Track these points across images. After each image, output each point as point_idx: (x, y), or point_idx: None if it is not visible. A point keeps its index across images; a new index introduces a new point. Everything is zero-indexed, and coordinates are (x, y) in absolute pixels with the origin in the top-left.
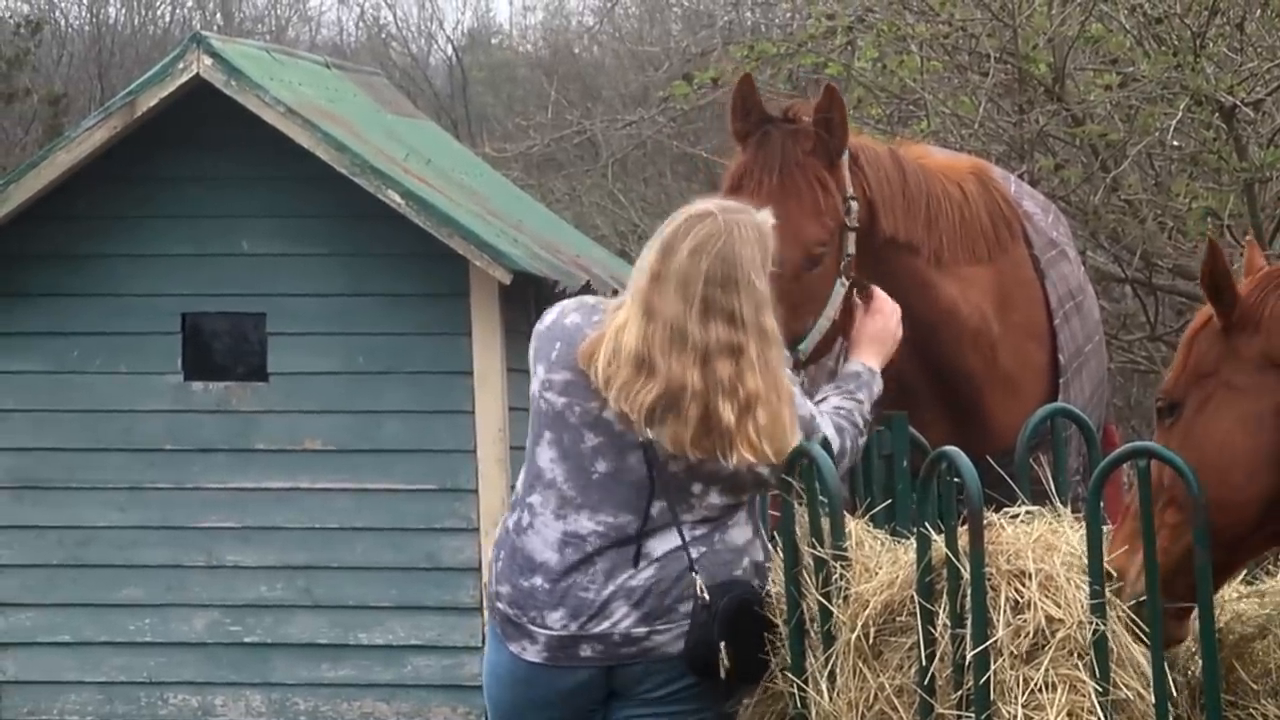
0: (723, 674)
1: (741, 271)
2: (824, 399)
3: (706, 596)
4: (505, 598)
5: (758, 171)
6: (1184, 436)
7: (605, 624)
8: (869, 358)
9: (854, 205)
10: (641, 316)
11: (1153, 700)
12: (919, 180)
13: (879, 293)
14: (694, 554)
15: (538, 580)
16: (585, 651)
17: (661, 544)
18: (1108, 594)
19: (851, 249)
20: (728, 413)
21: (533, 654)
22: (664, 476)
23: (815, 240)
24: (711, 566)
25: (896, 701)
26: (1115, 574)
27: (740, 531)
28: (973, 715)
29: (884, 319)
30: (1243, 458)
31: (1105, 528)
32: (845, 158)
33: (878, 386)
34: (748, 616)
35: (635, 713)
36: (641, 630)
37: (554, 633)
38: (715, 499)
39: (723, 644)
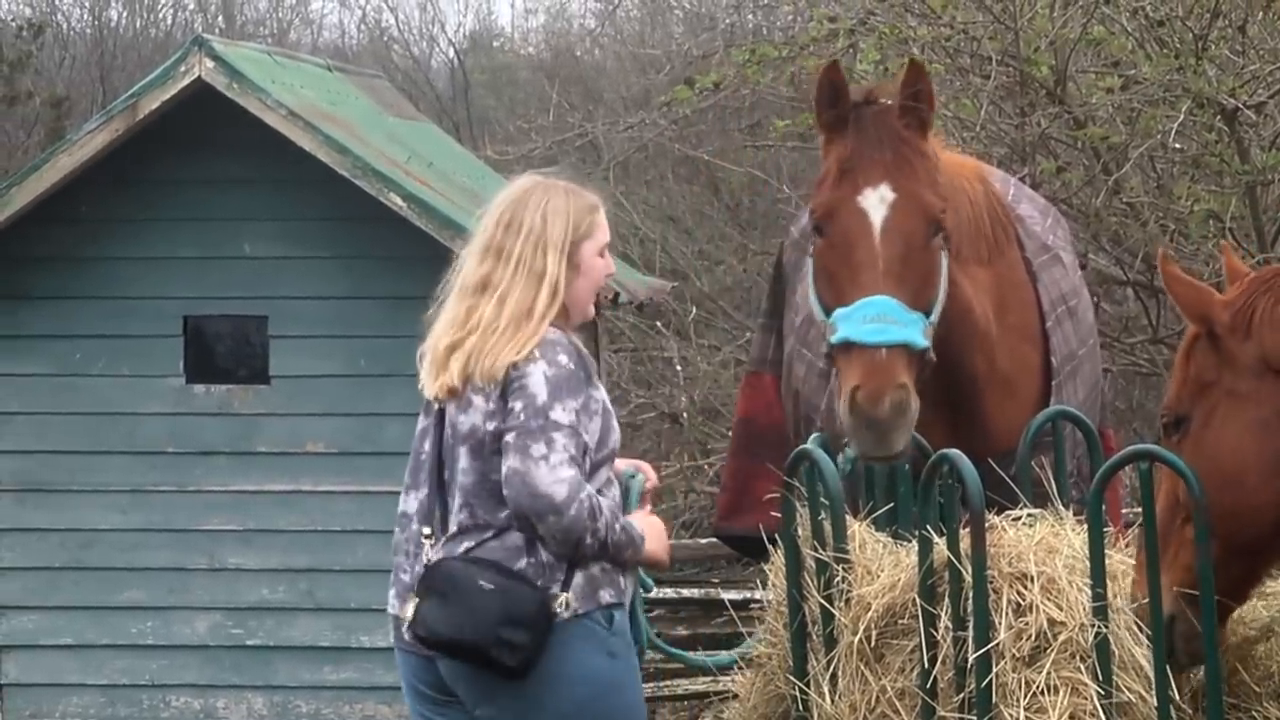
0: (406, 620)
1: (530, 214)
2: (597, 477)
3: (430, 557)
4: None
5: (867, 151)
6: (1194, 448)
7: (409, 610)
8: (648, 537)
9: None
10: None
11: (1155, 703)
12: (948, 173)
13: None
14: (464, 545)
15: (393, 560)
16: (406, 635)
17: (451, 529)
18: (1110, 597)
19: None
20: (443, 344)
21: (392, 634)
22: (445, 445)
23: (937, 208)
24: (483, 557)
25: (898, 704)
26: (1137, 598)
27: (518, 534)
28: (975, 718)
29: (660, 532)
30: (1254, 463)
31: (1107, 530)
32: None
33: (640, 550)
34: (453, 580)
35: (472, 715)
36: (408, 605)
37: (391, 613)
38: (466, 463)
39: (414, 599)
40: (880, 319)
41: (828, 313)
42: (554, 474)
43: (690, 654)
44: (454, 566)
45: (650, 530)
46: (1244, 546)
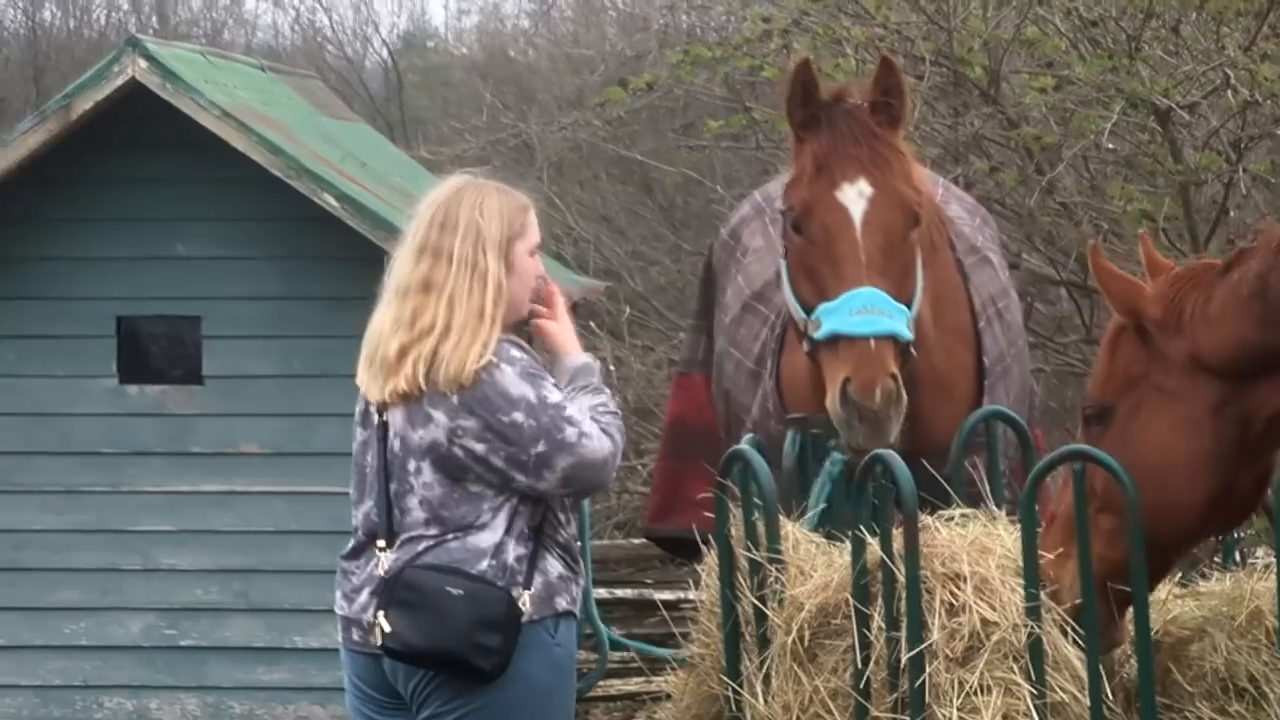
0: (379, 640)
1: (465, 213)
2: (573, 399)
3: (386, 566)
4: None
5: (843, 147)
6: (1119, 442)
7: (358, 608)
8: (580, 352)
9: None
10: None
11: (1088, 703)
12: None
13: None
14: (421, 546)
15: (339, 563)
16: (354, 635)
17: (400, 538)
18: (1043, 597)
19: None
20: (393, 347)
21: (340, 636)
22: (391, 456)
23: (914, 201)
24: (442, 561)
25: (832, 704)
26: (1051, 582)
27: (488, 535)
28: (908, 718)
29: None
30: (1182, 462)
31: (1040, 529)
32: None
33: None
34: (420, 589)
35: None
36: (379, 620)
37: (339, 614)
38: (430, 477)
39: (380, 611)
40: (868, 310)
41: (808, 310)
42: (596, 441)
43: (653, 648)
44: (417, 575)
45: (575, 345)
46: (1161, 543)
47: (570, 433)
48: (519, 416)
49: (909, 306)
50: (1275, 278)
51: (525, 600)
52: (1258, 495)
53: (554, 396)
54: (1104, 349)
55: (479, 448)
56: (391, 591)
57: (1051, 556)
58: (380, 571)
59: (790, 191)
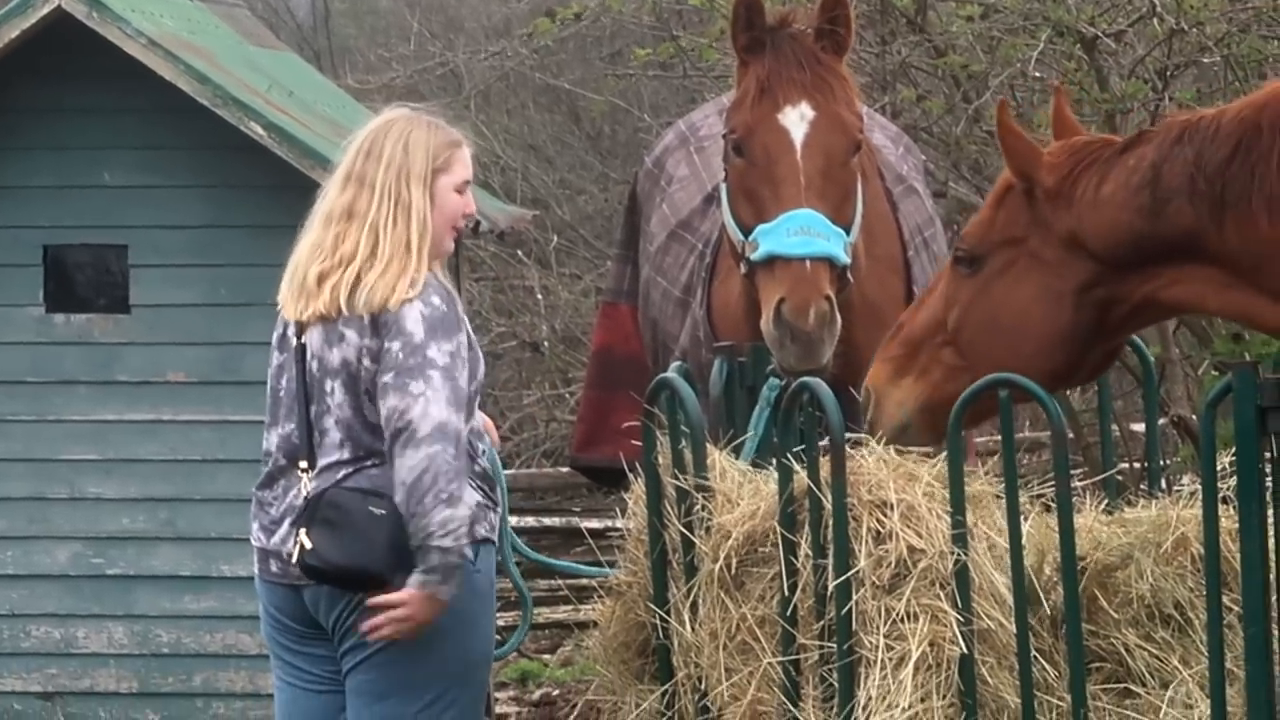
0: (294, 559)
1: (391, 144)
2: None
3: (308, 490)
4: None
5: (786, 71)
6: (981, 293)
7: (278, 540)
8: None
9: None
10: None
11: (1014, 630)
12: None
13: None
14: (341, 474)
15: (254, 494)
16: (273, 566)
17: (320, 463)
18: (970, 523)
19: None
20: (313, 272)
21: (256, 568)
22: (310, 378)
23: (856, 126)
24: (364, 486)
25: (759, 632)
26: (871, 392)
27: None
28: (834, 645)
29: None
30: (1036, 332)
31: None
32: None
33: (441, 584)
34: (342, 508)
35: (335, 650)
36: (299, 536)
37: (256, 545)
38: (342, 398)
39: (301, 529)
40: (805, 231)
41: (746, 232)
42: (428, 407)
43: (580, 565)
44: (340, 495)
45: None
46: (992, 406)
47: (416, 386)
48: (395, 346)
49: (848, 231)
50: (1168, 169)
51: None
52: (1104, 367)
53: (438, 356)
54: (990, 200)
55: (373, 367)
56: (314, 511)
57: (881, 366)
58: (302, 498)
59: (732, 114)
